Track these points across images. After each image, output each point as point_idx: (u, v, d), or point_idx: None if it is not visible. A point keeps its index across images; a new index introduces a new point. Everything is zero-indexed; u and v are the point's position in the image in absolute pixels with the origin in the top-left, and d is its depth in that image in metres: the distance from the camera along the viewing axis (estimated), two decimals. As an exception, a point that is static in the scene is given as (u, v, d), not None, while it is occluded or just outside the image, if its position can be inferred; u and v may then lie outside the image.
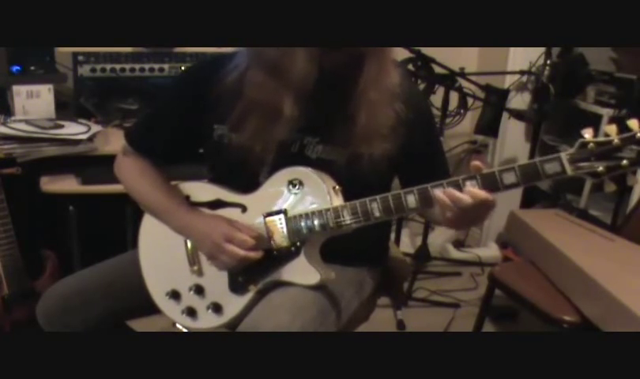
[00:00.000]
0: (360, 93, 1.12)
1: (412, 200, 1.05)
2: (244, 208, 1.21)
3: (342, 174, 1.15)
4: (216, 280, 1.21)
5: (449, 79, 2.51)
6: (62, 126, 1.99)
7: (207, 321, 1.23)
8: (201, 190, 1.26)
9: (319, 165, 1.17)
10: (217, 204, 1.23)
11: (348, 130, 1.14)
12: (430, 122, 1.30)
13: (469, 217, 1.03)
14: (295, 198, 1.15)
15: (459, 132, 2.92)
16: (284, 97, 1.12)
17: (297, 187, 1.14)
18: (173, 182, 1.31)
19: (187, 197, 1.27)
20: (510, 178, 0.98)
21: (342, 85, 1.14)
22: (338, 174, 1.16)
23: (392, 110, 1.15)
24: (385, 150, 1.15)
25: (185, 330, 1.30)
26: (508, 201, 2.72)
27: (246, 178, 1.21)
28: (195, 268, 1.24)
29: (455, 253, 3.02)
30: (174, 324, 1.29)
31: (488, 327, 2.31)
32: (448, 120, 2.60)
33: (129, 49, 2.22)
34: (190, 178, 1.30)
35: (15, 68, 2.11)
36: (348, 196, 1.13)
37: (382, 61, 1.13)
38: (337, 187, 1.14)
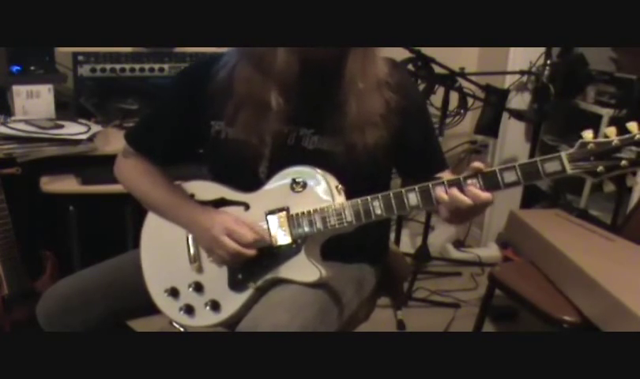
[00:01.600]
0: (347, 83, 1.14)
1: (413, 198, 1.06)
2: (247, 206, 1.21)
3: (340, 164, 1.16)
4: (215, 278, 1.21)
5: (449, 79, 2.51)
6: (62, 126, 2.00)
7: (204, 319, 1.23)
8: (205, 189, 1.27)
9: (317, 156, 1.17)
10: (221, 202, 1.24)
11: (339, 120, 1.15)
12: (422, 110, 1.31)
13: (468, 214, 1.04)
14: (298, 197, 1.15)
15: (459, 132, 2.92)
16: (269, 90, 1.14)
17: (300, 186, 1.15)
18: (176, 182, 1.31)
19: (192, 196, 1.28)
20: (510, 176, 1.00)
21: (329, 76, 1.15)
22: (336, 164, 1.16)
23: (381, 98, 1.17)
24: (378, 138, 1.16)
25: (182, 329, 1.30)
26: (508, 201, 2.73)
27: (246, 174, 1.21)
28: (196, 265, 1.24)
29: (455, 253, 3.02)
30: (170, 322, 1.29)
31: (488, 327, 2.31)
32: (448, 120, 2.60)
33: (129, 49, 2.22)
34: (190, 178, 1.30)
35: (15, 68, 2.12)
36: (347, 187, 1.14)
37: (367, 51, 1.14)
38: (340, 186, 1.14)
